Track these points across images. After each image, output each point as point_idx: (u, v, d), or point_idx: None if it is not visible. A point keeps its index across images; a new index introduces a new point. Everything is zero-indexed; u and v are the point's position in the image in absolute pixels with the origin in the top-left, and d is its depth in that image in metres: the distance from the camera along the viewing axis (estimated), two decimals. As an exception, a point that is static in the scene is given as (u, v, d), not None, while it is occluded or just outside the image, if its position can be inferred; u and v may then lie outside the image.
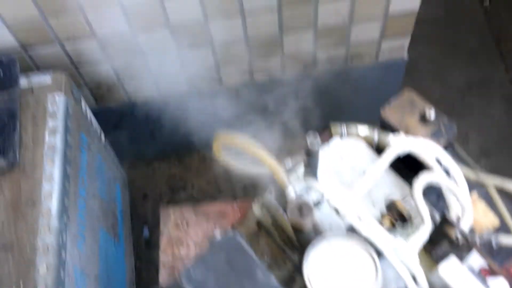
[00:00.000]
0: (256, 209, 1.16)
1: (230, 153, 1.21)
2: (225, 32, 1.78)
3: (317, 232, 1.01)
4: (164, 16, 1.68)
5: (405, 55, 2.02)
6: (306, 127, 1.53)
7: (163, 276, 1.40)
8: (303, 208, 0.95)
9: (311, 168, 1.14)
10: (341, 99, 2.16)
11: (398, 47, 1.99)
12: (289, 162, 1.16)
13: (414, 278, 1.00)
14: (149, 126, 2.07)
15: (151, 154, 2.17)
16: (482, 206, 1.13)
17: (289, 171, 1.15)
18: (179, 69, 1.93)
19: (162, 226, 1.49)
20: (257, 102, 1.93)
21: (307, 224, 0.96)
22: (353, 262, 0.94)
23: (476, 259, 1.03)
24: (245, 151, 1.06)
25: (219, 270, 0.93)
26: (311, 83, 2.03)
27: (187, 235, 1.45)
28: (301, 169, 1.17)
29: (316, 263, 0.93)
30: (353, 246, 0.96)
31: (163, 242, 1.46)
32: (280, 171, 1.04)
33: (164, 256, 1.44)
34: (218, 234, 1.00)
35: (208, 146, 1.20)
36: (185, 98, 2.01)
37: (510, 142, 1.96)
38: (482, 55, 2.18)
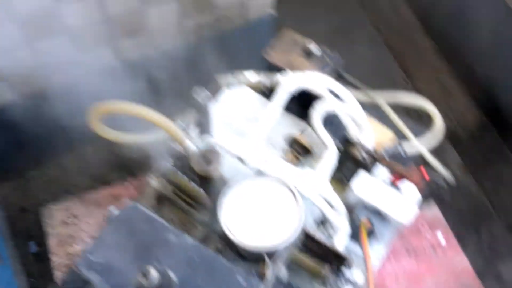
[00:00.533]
0: (154, 182, 1.05)
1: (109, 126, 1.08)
2: (81, 16, 1.61)
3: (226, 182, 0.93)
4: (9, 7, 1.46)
5: (272, 11, 2.01)
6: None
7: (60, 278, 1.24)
8: (208, 156, 0.88)
9: (204, 124, 1.06)
10: (218, 66, 2.10)
11: (264, 4, 1.96)
12: (181, 123, 1.06)
13: (330, 204, 0.97)
14: (14, 133, 1.83)
15: (23, 163, 1.93)
16: (376, 124, 1.14)
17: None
18: (33, 64, 1.71)
19: (47, 229, 1.31)
20: (132, 84, 1.79)
21: (215, 170, 0.88)
22: (268, 198, 0.88)
23: (383, 172, 1.03)
24: (129, 114, 0.95)
25: (124, 246, 0.82)
26: (184, 54, 1.94)
27: (78, 230, 1.30)
28: (194, 128, 1.09)
29: (231, 209, 0.86)
30: (265, 183, 0.90)
31: (52, 244, 1.29)
32: (173, 127, 0.94)
33: (57, 258, 1.27)
34: (114, 210, 0.88)
35: (83, 139, 1.06)
36: (48, 95, 1.80)
37: (377, 75, 2.08)
38: (344, 3, 2.27)
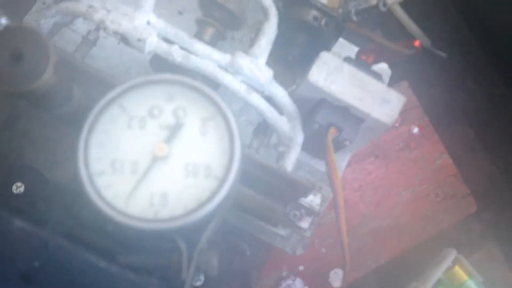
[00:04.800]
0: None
1: None
2: None
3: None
4: None
5: None
6: None
7: None
8: (19, 41, 0.44)
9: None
10: None
11: None
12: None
13: (275, 105, 0.63)
14: None
15: None
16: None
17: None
18: None
19: None
20: None
21: (48, 77, 0.45)
22: (173, 124, 0.50)
23: (345, 45, 0.69)
24: None
25: None
26: None
27: None
28: None
29: (101, 155, 0.47)
30: (160, 91, 0.51)
31: None
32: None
33: None
34: None
35: None
36: None
37: None
38: None
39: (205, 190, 0.45)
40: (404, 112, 0.89)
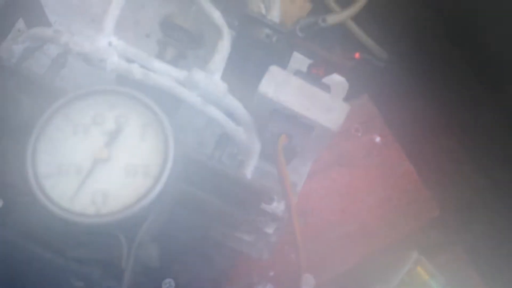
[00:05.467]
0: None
1: None
2: None
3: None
4: None
5: None
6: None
7: None
8: None
9: (31, 12, 0.70)
10: None
11: None
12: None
13: (232, 117, 0.68)
14: None
15: None
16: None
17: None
18: None
19: None
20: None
21: None
22: (114, 130, 0.55)
23: (298, 60, 0.73)
24: None
25: None
26: None
27: None
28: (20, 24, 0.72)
29: (48, 156, 0.52)
30: (103, 101, 0.56)
31: None
32: None
33: None
34: None
35: None
36: None
37: None
38: None
39: (141, 188, 0.50)
40: (365, 123, 0.93)
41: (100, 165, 0.51)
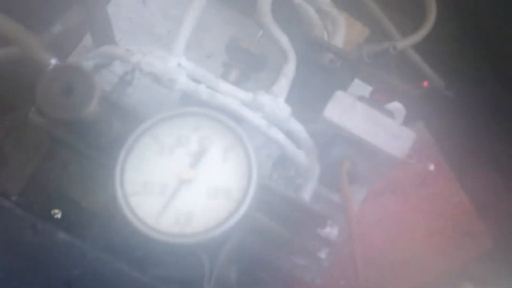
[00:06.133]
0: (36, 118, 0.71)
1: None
2: None
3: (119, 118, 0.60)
4: None
5: None
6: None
7: None
8: (69, 77, 0.51)
9: (100, 30, 0.72)
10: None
11: None
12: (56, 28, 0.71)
13: (293, 140, 0.68)
14: None
15: None
16: (343, 16, 0.83)
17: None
18: None
19: None
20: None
21: (90, 108, 0.51)
22: (198, 151, 0.56)
23: (361, 86, 0.74)
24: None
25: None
26: None
27: None
28: (87, 40, 0.75)
29: (135, 175, 0.54)
30: (189, 123, 0.57)
31: None
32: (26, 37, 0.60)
33: None
34: None
35: None
36: None
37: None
38: None
39: (224, 210, 0.51)
40: (420, 150, 0.92)
41: (184, 186, 0.52)
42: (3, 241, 0.50)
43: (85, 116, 0.48)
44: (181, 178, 0.52)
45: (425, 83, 0.62)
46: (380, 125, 0.64)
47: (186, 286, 0.49)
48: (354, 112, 0.65)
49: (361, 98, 0.68)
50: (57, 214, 0.67)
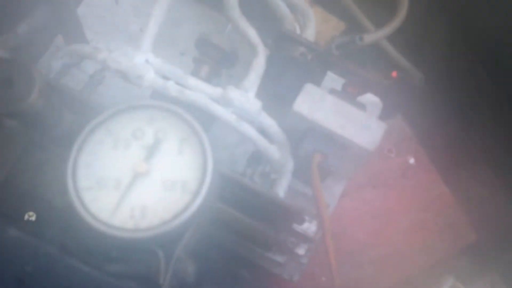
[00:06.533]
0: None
1: None
2: None
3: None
4: None
5: None
6: None
7: None
8: (7, 70, 0.50)
9: (70, 30, 0.71)
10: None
11: None
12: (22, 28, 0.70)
13: (265, 135, 0.68)
14: None
15: None
16: (319, 11, 0.82)
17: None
18: None
19: None
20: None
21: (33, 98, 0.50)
22: (152, 144, 0.55)
23: (332, 79, 0.73)
24: None
25: None
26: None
27: None
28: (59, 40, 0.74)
29: (89, 170, 0.53)
30: (141, 116, 0.56)
31: None
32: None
33: None
34: None
35: None
36: None
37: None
38: None
39: (180, 203, 0.50)
40: (399, 144, 0.92)
41: (139, 179, 0.51)
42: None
43: (26, 108, 0.47)
44: (136, 172, 0.52)
45: (394, 73, 0.62)
46: (350, 117, 0.64)
47: (142, 281, 0.49)
48: (323, 105, 0.64)
49: (332, 91, 0.67)
50: (32, 216, 0.66)
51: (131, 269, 0.49)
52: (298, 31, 0.74)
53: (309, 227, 0.70)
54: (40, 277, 0.47)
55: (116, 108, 0.54)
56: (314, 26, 0.71)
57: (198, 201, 0.50)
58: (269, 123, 0.67)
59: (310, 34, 0.72)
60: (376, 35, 0.71)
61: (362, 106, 0.66)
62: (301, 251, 0.70)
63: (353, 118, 0.63)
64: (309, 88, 0.65)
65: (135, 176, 0.51)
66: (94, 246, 0.50)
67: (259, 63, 0.68)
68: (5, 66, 0.48)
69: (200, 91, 0.65)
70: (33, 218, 0.66)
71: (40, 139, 0.57)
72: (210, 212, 0.55)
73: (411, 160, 0.91)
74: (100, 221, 0.49)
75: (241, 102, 0.65)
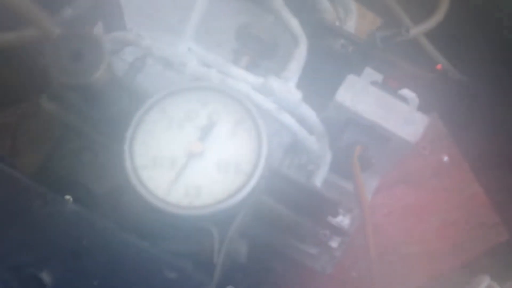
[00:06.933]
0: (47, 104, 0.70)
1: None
2: None
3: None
4: None
5: None
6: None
7: None
8: (78, 43, 0.51)
9: (111, 18, 0.72)
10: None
11: None
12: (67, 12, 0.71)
13: (305, 125, 0.68)
14: None
15: None
16: (356, 7, 0.82)
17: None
18: None
19: None
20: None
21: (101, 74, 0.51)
22: (208, 126, 0.56)
23: (372, 74, 0.72)
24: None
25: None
26: None
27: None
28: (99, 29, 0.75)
29: (144, 148, 0.54)
30: (200, 99, 0.57)
31: None
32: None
33: None
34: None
35: None
36: None
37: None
38: None
39: (234, 184, 0.51)
40: (433, 142, 0.91)
41: (193, 159, 0.52)
42: (12, 212, 0.50)
43: (93, 82, 0.48)
44: (191, 152, 0.52)
45: (439, 66, 0.61)
46: (393, 109, 0.63)
47: (195, 259, 0.49)
48: (366, 96, 0.64)
49: (373, 83, 0.67)
50: (68, 199, 0.67)
51: (186, 247, 0.50)
52: (338, 23, 0.74)
53: (343, 220, 0.70)
54: (96, 251, 0.48)
55: (170, 89, 0.55)
56: (355, 19, 0.71)
57: (252, 183, 0.51)
58: (310, 114, 0.67)
59: (351, 26, 0.72)
60: (421, 27, 0.71)
61: (403, 99, 0.66)
62: (334, 243, 0.70)
63: (395, 111, 0.63)
64: (351, 79, 0.65)
65: (189, 156, 0.52)
66: (151, 224, 0.51)
67: (301, 54, 0.68)
68: (75, 39, 0.49)
69: (242, 80, 0.65)
70: (70, 201, 0.67)
71: (96, 116, 0.57)
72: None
73: (445, 159, 0.91)
74: (157, 198, 0.50)
75: (282, 91, 0.65)
